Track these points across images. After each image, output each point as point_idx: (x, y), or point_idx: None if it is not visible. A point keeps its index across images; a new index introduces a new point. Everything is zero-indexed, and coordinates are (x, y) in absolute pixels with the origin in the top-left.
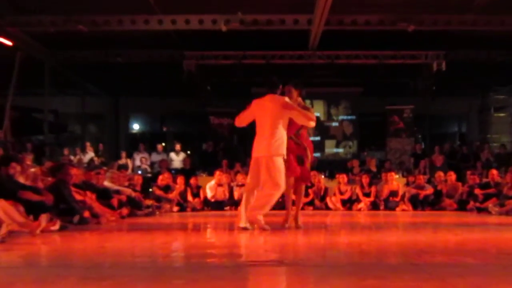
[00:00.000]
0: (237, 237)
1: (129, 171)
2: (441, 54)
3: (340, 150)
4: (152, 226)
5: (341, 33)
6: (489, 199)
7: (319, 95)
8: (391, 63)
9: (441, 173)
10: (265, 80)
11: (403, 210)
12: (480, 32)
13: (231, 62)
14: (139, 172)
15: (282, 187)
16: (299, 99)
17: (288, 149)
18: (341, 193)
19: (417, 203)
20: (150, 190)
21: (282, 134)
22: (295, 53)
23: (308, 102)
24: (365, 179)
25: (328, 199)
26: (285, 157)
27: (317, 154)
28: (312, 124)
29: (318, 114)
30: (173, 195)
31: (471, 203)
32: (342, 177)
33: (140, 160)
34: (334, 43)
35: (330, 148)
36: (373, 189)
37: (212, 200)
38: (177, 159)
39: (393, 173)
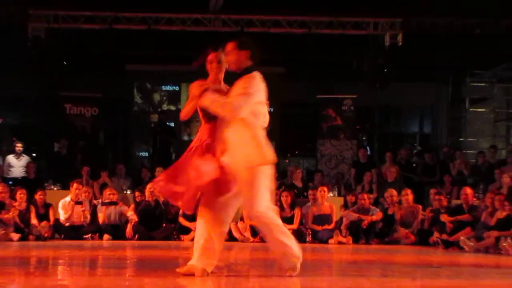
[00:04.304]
0: (100, 279)
1: None
2: (397, 22)
3: None
4: None
5: None
6: (461, 229)
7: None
8: (326, 34)
9: (393, 192)
10: (256, 47)
11: (339, 242)
12: None
13: (97, 26)
14: None
15: None
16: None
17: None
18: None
19: (359, 233)
20: None
21: None
22: (190, 17)
23: None
24: (285, 198)
25: (232, 226)
26: None
27: None
28: None
29: None
30: (10, 216)
31: (436, 235)
32: None
33: None
34: (245, 4)
35: None
36: (297, 212)
37: (67, 224)
38: (17, 164)
39: (325, 190)
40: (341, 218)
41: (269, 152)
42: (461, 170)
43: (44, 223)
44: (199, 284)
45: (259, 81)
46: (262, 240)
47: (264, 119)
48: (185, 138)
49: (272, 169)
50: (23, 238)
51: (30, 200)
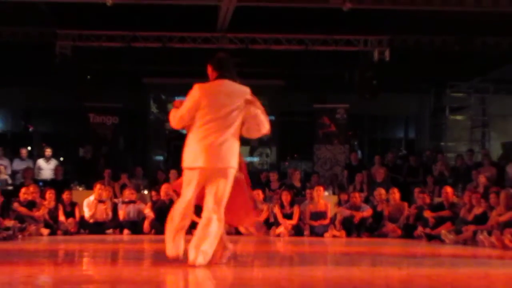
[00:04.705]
0: (121, 270)
1: None
2: (385, 39)
3: (255, 159)
4: (12, 254)
5: (258, 11)
6: (442, 224)
7: None
8: (321, 50)
9: (382, 190)
10: (216, 60)
11: (334, 236)
12: (432, 13)
13: (117, 44)
14: None
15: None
16: None
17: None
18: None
19: (351, 227)
20: (11, 207)
21: (236, 139)
22: (200, 35)
23: None
24: (285, 197)
25: None
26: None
27: None
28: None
29: None
30: (40, 213)
31: (420, 229)
32: (257, 194)
33: None
34: (249, 24)
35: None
36: (296, 209)
37: (91, 220)
38: (46, 167)
39: (321, 189)
40: (335, 214)
41: (186, 158)
42: (442, 171)
43: (70, 219)
44: (208, 273)
45: (193, 92)
46: (265, 234)
47: (203, 124)
48: None
49: (187, 173)
50: (52, 233)
51: (58, 199)
